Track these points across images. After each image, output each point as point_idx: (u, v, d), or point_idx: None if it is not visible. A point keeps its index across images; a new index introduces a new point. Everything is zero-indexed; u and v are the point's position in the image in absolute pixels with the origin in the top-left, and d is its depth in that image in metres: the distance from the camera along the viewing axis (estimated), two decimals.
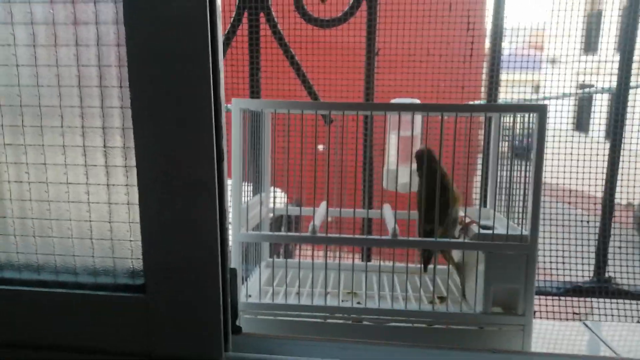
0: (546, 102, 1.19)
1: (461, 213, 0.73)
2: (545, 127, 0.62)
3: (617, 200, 1.02)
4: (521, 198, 0.68)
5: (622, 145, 0.98)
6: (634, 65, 0.99)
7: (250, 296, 0.72)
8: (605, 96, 1.08)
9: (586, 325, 0.76)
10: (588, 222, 0.96)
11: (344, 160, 0.76)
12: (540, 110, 0.63)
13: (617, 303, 0.93)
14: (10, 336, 0.60)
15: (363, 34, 1.01)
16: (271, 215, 0.86)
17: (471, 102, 1.03)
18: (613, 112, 0.98)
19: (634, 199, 1.03)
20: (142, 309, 0.58)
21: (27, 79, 0.58)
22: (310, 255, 0.89)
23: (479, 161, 0.94)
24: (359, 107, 0.71)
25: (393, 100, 0.78)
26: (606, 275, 0.96)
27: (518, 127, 0.70)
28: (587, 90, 1.15)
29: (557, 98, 1.07)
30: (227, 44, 1.04)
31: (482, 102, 1.03)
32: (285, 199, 0.90)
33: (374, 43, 1.01)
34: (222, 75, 0.56)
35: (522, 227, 0.66)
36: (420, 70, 1.02)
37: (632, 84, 0.98)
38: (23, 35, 0.57)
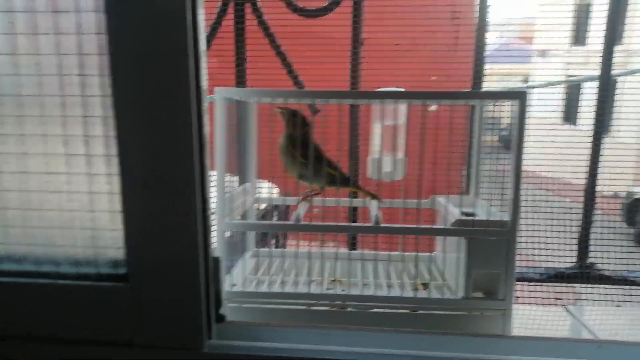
0: (534, 92, 1.20)
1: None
2: (525, 113, 0.63)
3: (599, 189, 1.03)
4: (503, 185, 0.68)
5: (606, 135, 0.99)
6: (617, 54, 1.00)
7: (235, 285, 0.73)
8: (594, 88, 1.09)
9: (567, 310, 0.78)
10: (571, 209, 0.97)
11: (329, 150, 0.77)
12: (521, 97, 0.63)
13: (599, 288, 0.95)
14: None
15: (349, 24, 1.01)
16: (256, 205, 0.87)
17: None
18: (598, 101, 0.99)
19: (616, 189, 1.05)
20: (124, 298, 0.58)
21: (6, 67, 0.57)
22: (305, 246, 0.89)
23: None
24: (342, 95, 0.71)
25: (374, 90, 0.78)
26: (588, 261, 0.98)
27: (502, 115, 0.71)
28: (573, 78, 1.17)
29: (543, 86, 1.08)
30: (213, 34, 1.04)
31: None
32: (271, 190, 0.90)
33: (359, 33, 1.01)
34: (204, 63, 0.56)
35: (503, 213, 0.67)
36: (406, 60, 1.02)
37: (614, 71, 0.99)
38: (2, 24, 0.56)
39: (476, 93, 0.87)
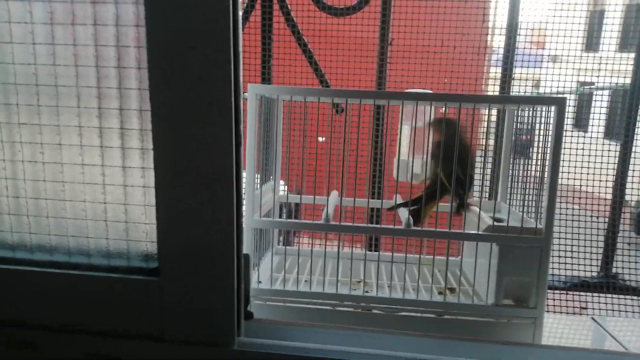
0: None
1: None
2: (564, 120, 0.62)
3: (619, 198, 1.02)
4: (535, 192, 0.67)
5: (635, 144, 0.98)
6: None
7: (261, 282, 0.72)
8: (605, 94, 1.08)
9: (594, 320, 0.76)
10: (598, 217, 0.96)
11: (354, 151, 0.76)
12: (559, 103, 0.62)
13: (625, 299, 0.94)
14: (22, 317, 0.60)
15: (377, 24, 1.00)
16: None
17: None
18: (627, 110, 0.98)
19: (630, 195, 1.03)
20: (155, 292, 0.58)
21: (44, 57, 0.57)
22: (316, 245, 0.89)
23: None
24: (375, 95, 0.70)
25: (406, 91, 0.77)
26: (613, 271, 0.97)
27: (534, 121, 0.70)
28: (597, 86, 1.15)
29: (557, 93, 1.07)
30: None
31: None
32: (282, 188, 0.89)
33: (387, 33, 1.01)
34: (241, 59, 0.55)
35: (536, 221, 0.66)
36: (434, 62, 1.01)
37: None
38: (40, 13, 0.56)
39: (513, 97, 0.85)
